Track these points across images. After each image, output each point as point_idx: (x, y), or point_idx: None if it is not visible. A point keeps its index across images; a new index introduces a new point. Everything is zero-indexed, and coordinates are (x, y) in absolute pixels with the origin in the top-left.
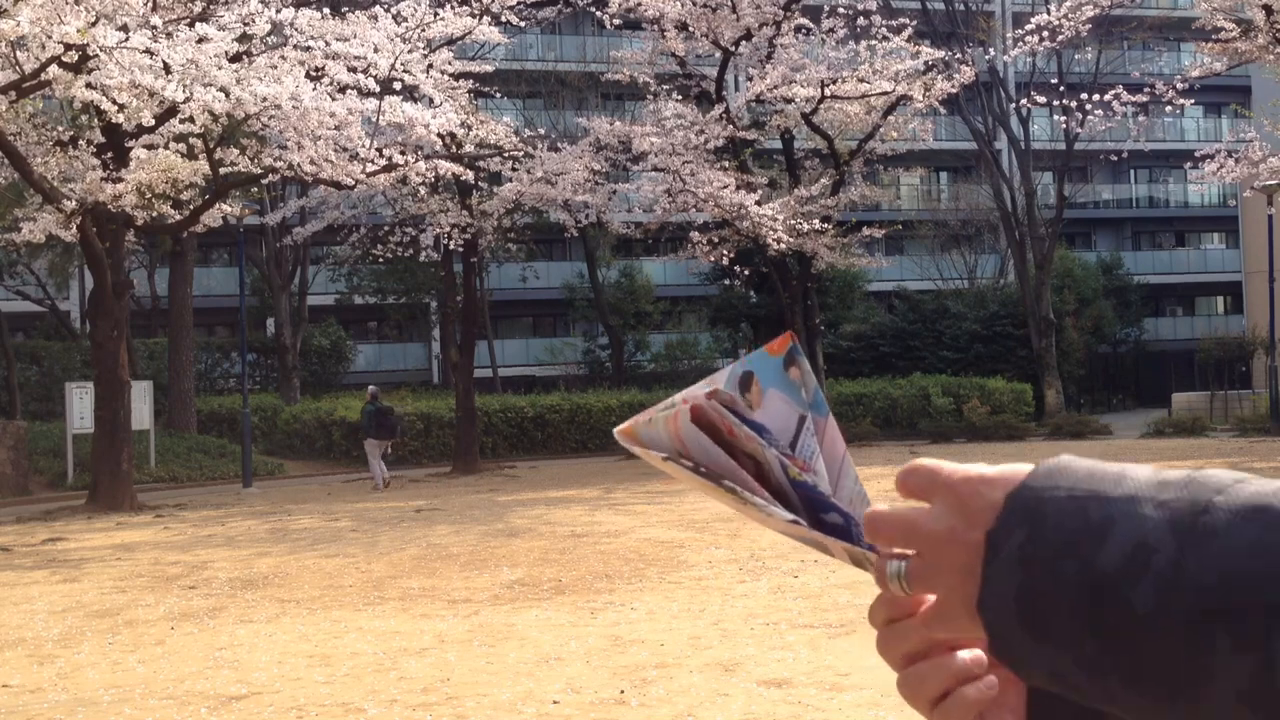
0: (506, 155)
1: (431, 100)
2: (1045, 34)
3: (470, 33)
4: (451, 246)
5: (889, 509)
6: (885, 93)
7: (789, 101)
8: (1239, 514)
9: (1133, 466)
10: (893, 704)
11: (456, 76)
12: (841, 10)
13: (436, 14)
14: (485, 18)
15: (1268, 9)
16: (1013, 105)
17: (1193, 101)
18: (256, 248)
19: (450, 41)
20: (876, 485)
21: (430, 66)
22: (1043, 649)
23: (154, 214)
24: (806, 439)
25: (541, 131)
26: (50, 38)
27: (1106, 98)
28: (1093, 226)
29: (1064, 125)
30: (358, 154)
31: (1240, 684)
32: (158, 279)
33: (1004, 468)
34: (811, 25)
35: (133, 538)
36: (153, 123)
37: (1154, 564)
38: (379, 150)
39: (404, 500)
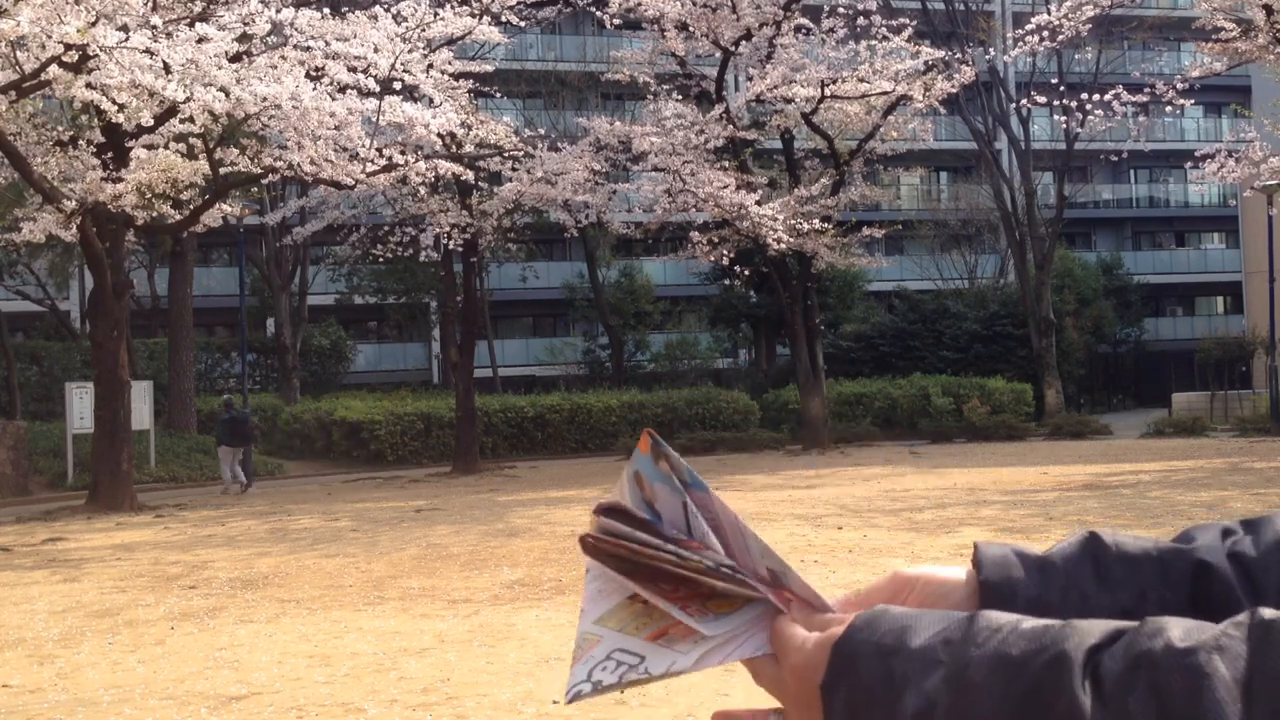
0: (506, 155)
1: (431, 100)
2: (1045, 34)
3: (470, 33)
4: (451, 246)
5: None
6: (885, 93)
7: (789, 101)
8: (989, 667)
9: (930, 617)
10: None
11: (456, 76)
12: (841, 10)
13: (436, 14)
14: (485, 18)
15: (1268, 9)
16: (1013, 105)
17: (1193, 101)
18: (256, 248)
19: (450, 41)
20: (876, 485)
21: (430, 66)
22: None
23: (154, 214)
24: (695, 521)
25: (541, 131)
26: (50, 38)
27: (1106, 98)
28: (1093, 226)
29: (1064, 125)
30: (358, 154)
31: None
32: (158, 279)
33: (833, 629)
34: (811, 25)
35: (133, 538)
36: (153, 123)
37: (936, 716)
38: (379, 150)
39: (404, 500)
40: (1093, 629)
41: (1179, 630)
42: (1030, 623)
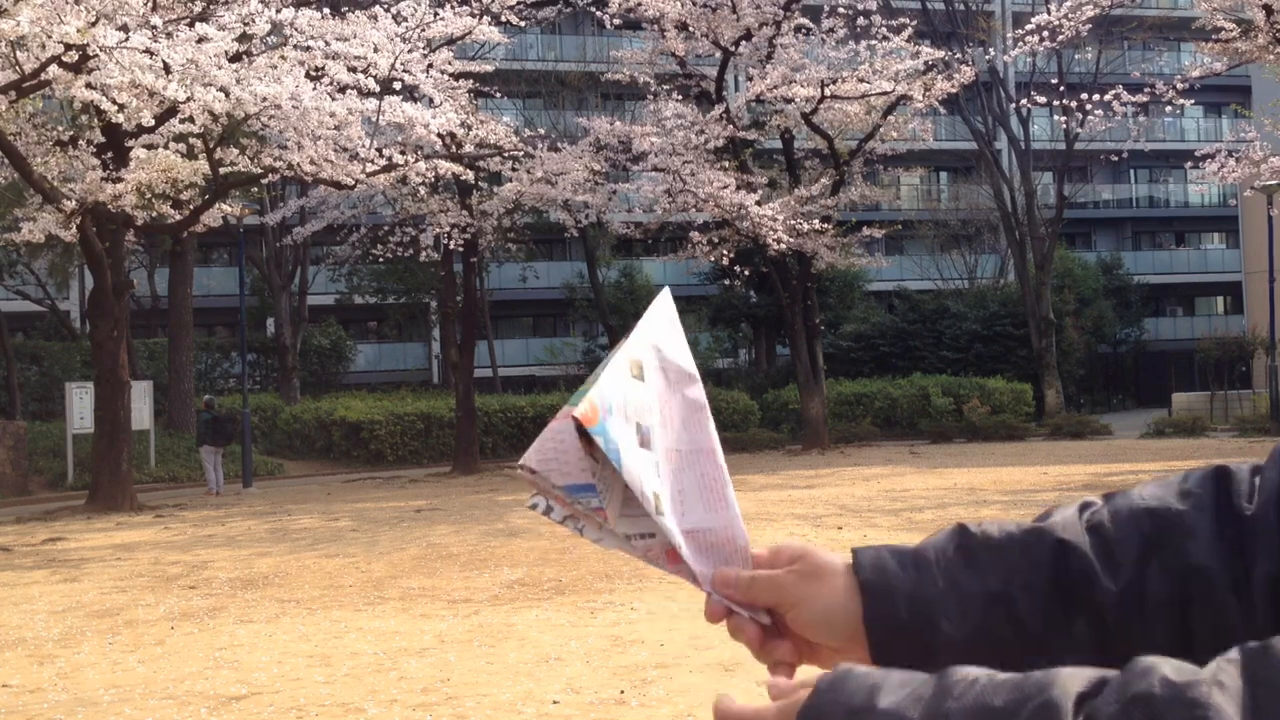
0: (506, 155)
1: (431, 100)
2: (1045, 34)
3: (470, 33)
4: (451, 246)
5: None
6: (885, 93)
7: (789, 101)
8: (970, 718)
9: (897, 675)
10: None
11: (456, 76)
12: (841, 10)
13: (436, 14)
14: (485, 18)
15: (1268, 9)
16: (1013, 105)
17: (1193, 101)
18: (256, 248)
19: (450, 41)
20: (876, 485)
21: (430, 66)
22: None
23: (154, 214)
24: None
25: (541, 131)
26: (50, 38)
27: (1106, 98)
28: (1093, 226)
29: (1064, 125)
30: (358, 154)
31: None
32: (158, 279)
33: (796, 695)
34: (811, 25)
35: (133, 538)
36: (153, 123)
37: None
38: (379, 150)
39: (404, 500)
40: (1076, 675)
41: (1169, 667)
42: (1006, 674)
